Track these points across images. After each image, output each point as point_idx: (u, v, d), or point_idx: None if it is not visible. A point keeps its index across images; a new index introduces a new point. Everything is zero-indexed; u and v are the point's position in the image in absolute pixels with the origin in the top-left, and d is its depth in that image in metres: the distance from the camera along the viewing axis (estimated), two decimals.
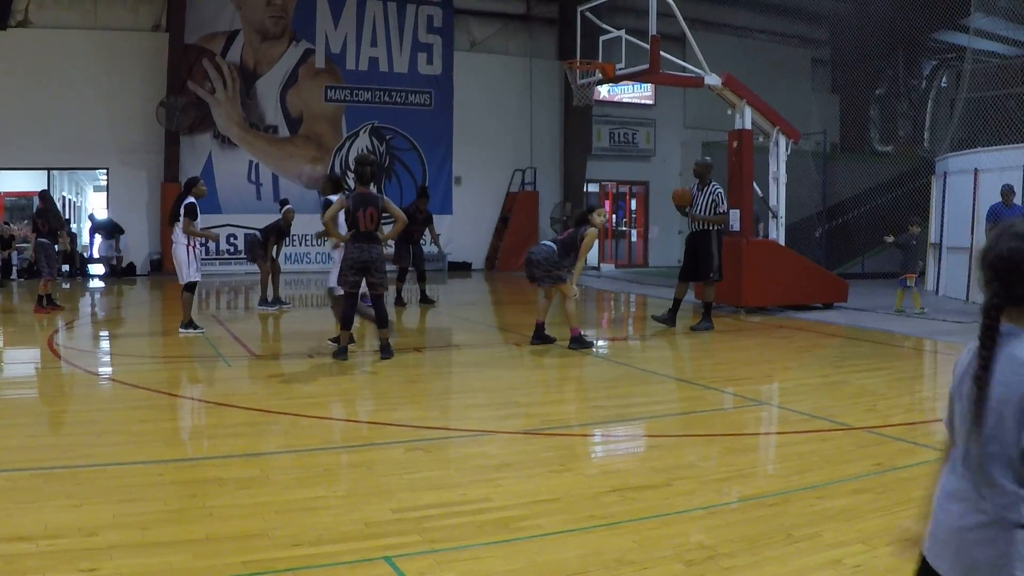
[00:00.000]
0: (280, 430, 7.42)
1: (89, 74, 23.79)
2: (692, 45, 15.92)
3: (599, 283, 23.72)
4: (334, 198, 12.07)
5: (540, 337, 12.13)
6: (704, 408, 8.75)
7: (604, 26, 17.37)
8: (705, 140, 27.06)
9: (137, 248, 24.67)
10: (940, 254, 19.47)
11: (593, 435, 7.62)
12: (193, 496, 5.50)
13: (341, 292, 10.96)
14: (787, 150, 16.61)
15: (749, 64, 24.32)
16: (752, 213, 16.33)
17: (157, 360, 11.12)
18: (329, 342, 11.52)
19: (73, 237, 23.59)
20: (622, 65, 16.48)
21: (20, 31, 23.39)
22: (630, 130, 30.89)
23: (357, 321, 11.41)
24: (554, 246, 11.82)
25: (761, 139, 16.85)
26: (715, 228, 13.97)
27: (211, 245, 22.92)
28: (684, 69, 16.58)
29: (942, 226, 19.44)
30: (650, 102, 30.96)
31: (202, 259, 13.68)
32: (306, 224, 23.90)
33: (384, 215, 10.84)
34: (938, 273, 19.57)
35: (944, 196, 19.47)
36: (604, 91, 28.47)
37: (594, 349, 12.03)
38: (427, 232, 17.47)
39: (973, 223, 17.44)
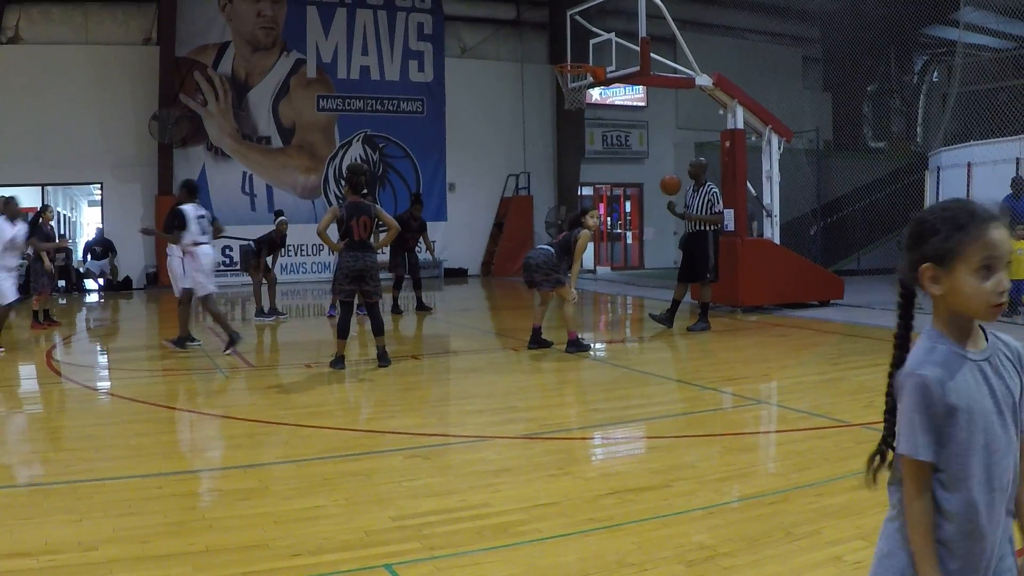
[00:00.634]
0: (279, 440, 7.41)
1: (81, 89, 23.78)
2: (682, 46, 15.96)
3: (595, 286, 23.73)
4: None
5: (537, 341, 12.14)
6: (702, 408, 8.75)
7: (594, 29, 17.40)
8: (698, 141, 27.08)
9: (132, 262, 24.64)
10: None
11: (592, 438, 7.62)
12: (193, 508, 5.50)
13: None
14: (780, 149, 16.65)
15: (740, 64, 24.35)
16: (747, 212, 16.35)
17: (155, 373, 11.10)
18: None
19: (68, 252, 23.55)
20: (613, 68, 16.51)
21: (10, 47, 23.40)
22: (623, 132, 30.91)
23: (355, 330, 11.42)
24: (552, 250, 11.84)
25: (754, 138, 16.87)
26: (711, 228, 13.98)
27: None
28: (675, 70, 16.61)
29: None
30: (642, 104, 30.98)
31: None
32: (301, 234, 23.99)
33: (380, 225, 10.86)
34: None
35: (938, 190, 19.49)
36: (596, 94, 28.50)
37: (591, 352, 12.03)
38: (422, 239, 17.47)
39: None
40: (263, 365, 11.85)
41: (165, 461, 6.77)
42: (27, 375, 11.26)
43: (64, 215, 28.95)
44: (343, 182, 11.37)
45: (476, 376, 10.70)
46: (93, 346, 14.41)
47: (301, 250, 25.60)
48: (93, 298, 22.81)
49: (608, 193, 31.73)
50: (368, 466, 6.48)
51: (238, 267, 22.57)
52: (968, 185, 17.67)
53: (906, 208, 18.30)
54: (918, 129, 31.15)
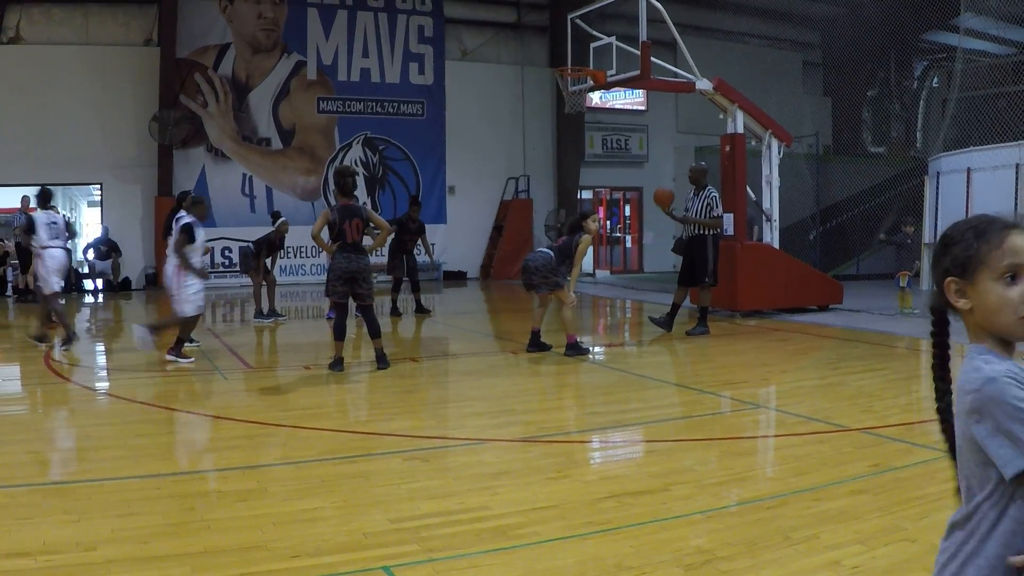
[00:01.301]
0: (277, 442, 7.41)
1: (81, 90, 23.79)
2: (683, 50, 15.96)
3: (595, 289, 23.72)
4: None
5: (536, 344, 12.15)
6: (701, 412, 8.75)
7: (595, 33, 17.40)
8: (698, 145, 27.12)
9: (132, 262, 24.64)
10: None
11: (590, 441, 7.61)
12: (191, 509, 5.49)
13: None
14: (780, 153, 16.65)
15: (740, 68, 24.37)
16: (746, 217, 16.35)
17: (153, 374, 11.09)
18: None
19: (68, 253, 23.49)
20: (613, 71, 16.52)
21: (11, 48, 23.40)
22: (623, 136, 30.92)
23: (353, 332, 11.43)
24: (551, 253, 11.85)
25: (754, 143, 16.88)
26: (711, 233, 13.98)
27: (206, 258, 22.88)
28: (675, 74, 16.61)
29: (936, 226, 19.48)
30: (642, 108, 31.00)
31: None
32: (300, 236, 23.94)
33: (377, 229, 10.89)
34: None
35: (937, 196, 19.51)
36: (596, 98, 28.54)
37: (590, 355, 12.03)
38: (420, 242, 17.46)
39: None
40: (262, 367, 11.85)
41: (164, 462, 6.78)
42: (26, 375, 11.26)
43: (64, 216, 28.86)
44: (332, 185, 11.35)
45: (475, 379, 10.70)
46: (92, 347, 14.39)
47: (300, 252, 25.60)
48: (93, 299, 22.79)
49: (608, 197, 31.74)
50: (366, 468, 6.48)
51: (237, 269, 22.57)
52: (968, 191, 17.69)
53: (905, 214, 18.29)
54: (918, 134, 31.17)
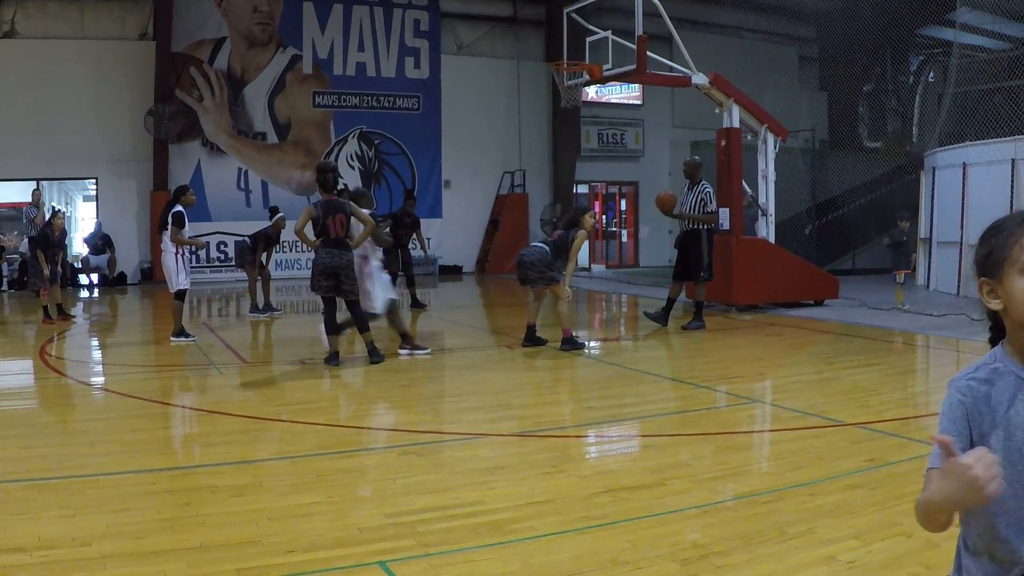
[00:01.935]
0: (273, 437, 7.41)
1: (76, 84, 23.73)
2: (679, 45, 15.94)
3: (590, 284, 23.73)
4: None
5: (532, 339, 12.15)
6: (697, 407, 8.76)
7: (590, 27, 17.39)
8: (694, 139, 27.08)
9: (128, 257, 24.59)
10: (930, 249, 19.52)
11: (586, 436, 7.62)
12: (187, 504, 5.49)
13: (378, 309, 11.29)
14: (775, 148, 16.63)
15: (736, 63, 24.35)
16: (743, 211, 16.34)
17: (149, 369, 11.10)
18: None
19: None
20: (609, 66, 16.50)
21: (6, 42, 23.32)
22: (618, 131, 30.89)
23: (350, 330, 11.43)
24: (547, 248, 11.86)
25: (749, 137, 16.87)
26: (705, 227, 13.99)
27: (201, 253, 22.95)
28: (671, 69, 16.60)
29: (932, 221, 19.50)
30: (638, 102, 30.97)
31: (192, 267, 13.71)
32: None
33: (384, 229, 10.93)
34: (928, 268, 19.62)
35: (933, 191, 19.52)
36: (592, 92, 28.46)
37: (586, 350, 12.04)
38: (415, 236, 17.44)
39: (963, 217, 17.47)
40: (257, 361, 11.85)
41: (159, 457, 6.78)
42: (22, 370, 11.26)
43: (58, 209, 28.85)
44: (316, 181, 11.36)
45: (470, 373, 10.70)
46: (88, 341, 14.38)
47: (296, 247, 25.55)
48: (88, 293, 22.76)
49: (604, 191, 31.73)
50: (362, 463, 6.48)
51: (233, 263, 22.56)
52: (964, 186, 17.69)
53: (900, 208, 18.31)
54: (914, 129, 31.16)
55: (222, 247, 24.84)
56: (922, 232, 19.88)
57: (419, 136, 27.91)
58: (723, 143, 16.08)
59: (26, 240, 21.96)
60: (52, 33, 23.79)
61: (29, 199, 21.61)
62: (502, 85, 29.27)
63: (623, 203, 32.00)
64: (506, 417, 8.15)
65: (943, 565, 3.94)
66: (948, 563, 2.30)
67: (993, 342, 2.19)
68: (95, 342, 14.37)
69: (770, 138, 16.53)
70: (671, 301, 14.28)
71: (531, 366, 11.16)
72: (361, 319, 10.91)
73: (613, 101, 30.69)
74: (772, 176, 16.59)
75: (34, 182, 23.82)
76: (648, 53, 15.52)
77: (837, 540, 4.73)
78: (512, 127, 29.26)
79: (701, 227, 13.96)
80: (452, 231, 28.04)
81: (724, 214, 15.53)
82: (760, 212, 16.66)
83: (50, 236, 15.43)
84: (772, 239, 16.56)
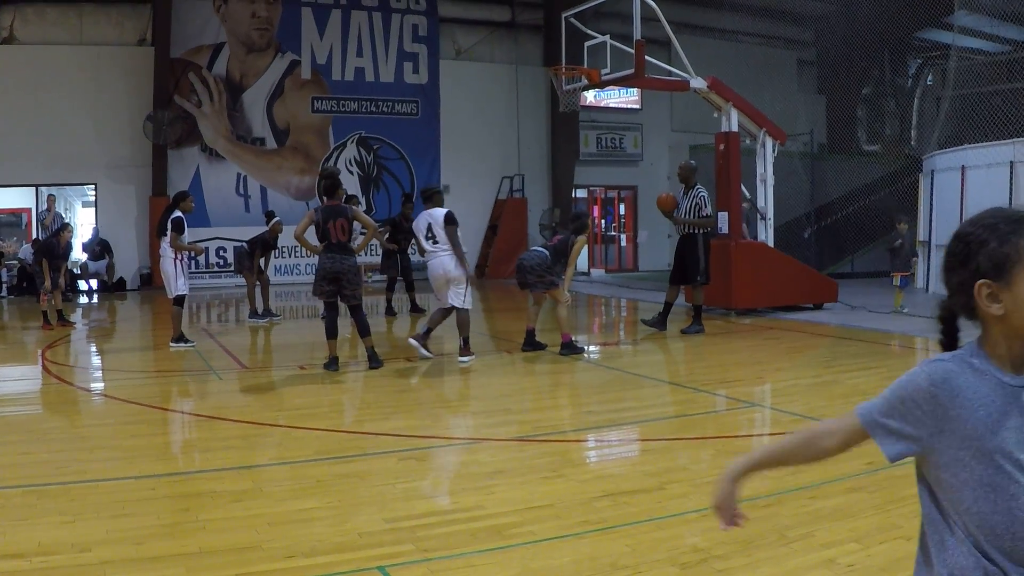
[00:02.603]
0: (272, 442, 7.41)
1: (75, 90, 23.74)
2: (677, 49, 15.97)
3: (589, 288, 23.72)
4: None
5: (531, 343, 12.16)
6: (696, 411, 8.76)
7: (589, 32, 17.40)
8: (692, 143, 27.10)
9: (127, 263, 24.59)
10: (929, 252, 19.52)
11: (585, 440, 7.62)
12: (186, 510, 5.49)
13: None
14: (774, 151, 16.65)
15: (735, 66, 24.33)
16: (741, 215, 16.34)
17: (148, 374, 11.09)
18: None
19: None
20: (607, 70, 16.51)
21: (5, 48, 23.34)
22: (617, 135, 30.90)
23: (349, 332, 11.43)
24: (546, 252, 11.87)
25: (748, 141, 16.89)
26: (700, 232, 13.99)
27: (200, 258, 22.94)
28: (670, 73, 16.60)
29: (931, 224, 19.50)
30: (637, 106, 30.97)
31: (191, 272, 13.74)
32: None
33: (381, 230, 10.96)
34: (928, 271, 19.62)
35: (932, 194, 19.53)
36: (590, 96, 28.52)
37: (585, 354, 12.04)
38: (414, 241, 17.42)
39: (962, 220, 17.44)
40: (256, 367, 11.84)
41: (158, 463, 6.77)
42: (21, 376, 11.25)
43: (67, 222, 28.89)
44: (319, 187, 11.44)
45: (470, 378, 10.69)
46: (88, 347, 14.37)
47: (295, 252, 25.55)
48: (87, 299, 22.75)
49: (602, 195, 31.73)
50: (361, 468, 6.48)
51: (232, 269, 22.56)
52: (963, 188, 17.70)
53: (899, 211, 18.32)
54: (912, 132, 31.18)
55: (221, 252, 24.84)
56: (921, 235, 19.88)
57: (418, 141, 27.92)
58: (722, 147, 16.09)
59: (26, 246, 22.04)
60: (51, 39, 23.81)
61: (29, 204, 21.65)
62: (501, 90, 29.28)
63: (622, 207, 31.99)
64: (506, 422, 8.14)
65: None
66: None
67: (948, 347, 2.11)
68: (94, 348, 14.37)
69: (769, 142, 16.54)
70: (668, 305, 14.29)
71: (530, 370, 11.16)
72: (363, 324, 10.93)
73: (612, 105, 30.70)
74: (771, 180, 16.60)
75: (33, 188, 23.89)
76: (646, 57, 15.54)
77: (837, 543, 4.73)
78: (511, 132, 29.27)
79: (697, 231, 13.96)
80: None
81: (723, 218, 15.54)
82: (759, 216, 16.66)
83: (55, 247, 15.46)
84: (771, 243, 16.56)
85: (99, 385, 10.65)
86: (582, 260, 24.59)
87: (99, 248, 24.04)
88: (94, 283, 24.16)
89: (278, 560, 4.59)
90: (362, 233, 11.77)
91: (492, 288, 24.83)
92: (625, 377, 10.64)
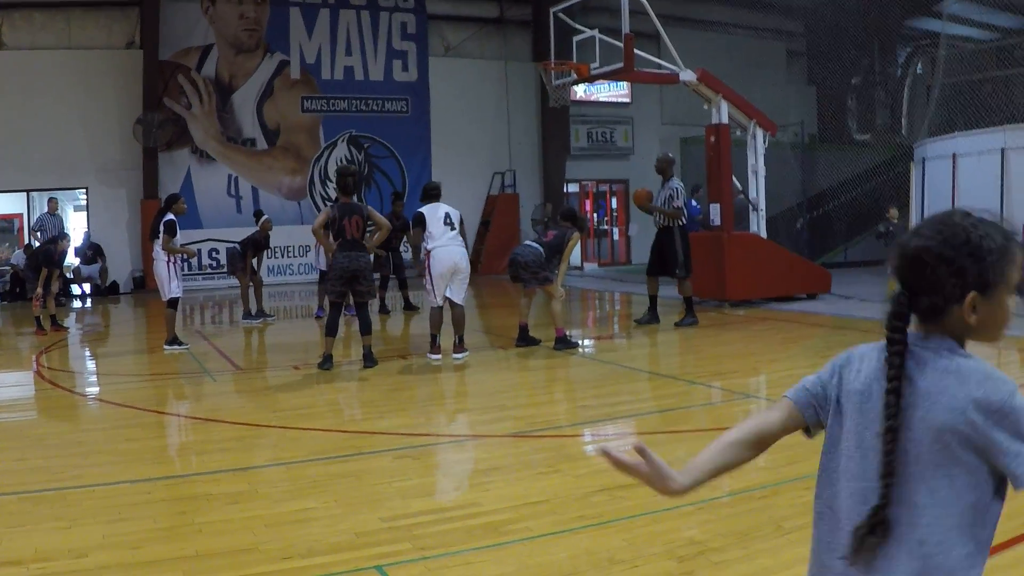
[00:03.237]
0: (268, 443, 7.41)
1: (64, 94, 23.67)
2: (666, 42, 15.97)
3: (583, 282, 23.73)
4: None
5: (524, 339, 12.17)
6: (691, 404, 8.77)
7: (577, 26, 17.40)
8: (683, 136, 27.08)
9: (119, 266, 24.54)
10: None
11: (581, 435, 7.62)
12: (183, 513, 5.49)
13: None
14: (765, 143, 16.65)
15: (724, 59, 24.33)
16: (733, 206, 16.34)
17: (143, 378, 11.08)
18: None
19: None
20: (597, 65, 16.51)
21: None
22: (608, 129, 30.89)
23: (342, 331, 11.43)
24: (540, 248, 11.88)
25: (739, 133, 16.89)
26: (676, 224, 13.93)
27: (193, 260, 22.94)
28: (659, 66, 16.59)
29: (922, 212, 19.50)
30: (627, 100, 30.97)
31: (184, 274, 13.73)
32: (287, 236, 24.04)
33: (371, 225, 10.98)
34: None
35: (923, 182, 19.55)
36: (580, 91, 28.47)
37: (579, 349, 12.04)
38: (406, 238, 17.43)
39: (953, 207, 17.48)
40: (251, 368, 11.84)
41: (154, 466, 6.77)
42: (15, 382, 11.23)
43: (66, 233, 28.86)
44: (334, 184, 11.50)
45: (464, 375, 10.70)
46: (81, 351, 14.36)
47: (288, 252, 25.53)
48: (80, 304, 22.71)
49: (594, 190, 31.72)
50: (357, 467, 6.48)
51: (225, 270, 22.54)
52: (954, 176, 17.73)
53: (890, 199, 18.35)
54: (903, 121, 31.20)
55: (213, 254, 24.80)
56: (913, 223, 19.89)
57: (408, 139, 27.90)
58: (712, 139, 16.10)
59: (18, 251, 22.01)
60: (39, 44, 23.72)
61: (21, 210, 21.62)
62: (490, 86, 29.26)
63: (614, 201, 31.99)
64: (501, 418, 8.15)
65: None
66: None
67: (898, 344, 2.06)
68: (88, 352, 14.35)
69: (759, 133, 16.53)
70: (653, 299, 14.31)
71: (525, 366, 11.17)
72: (366, 322, 10.95)
73: (602, 100, 30.68)
74: (762, 171, 16.59)
75: (24, 194, 23.84)
76: (636, 51, 15.53)
77: None
78: (501, 128, 29.26)
79: (673, 224, 13.92)
80: None
81: (715, 210, 15.54)
82: (751, 207, 16.66)
83: (53, 255, 15.44)
84: (763, 234, 16.57)
85: (93, 389, 10.63)
86: (575, 255, 24.62)
87: (91, 252, 23.99)
88: (87, 287, 24.08)
89: (275, 561, 4.60)
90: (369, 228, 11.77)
91: (485, 284, 24.82)
92: (620, 371, 10.65)
